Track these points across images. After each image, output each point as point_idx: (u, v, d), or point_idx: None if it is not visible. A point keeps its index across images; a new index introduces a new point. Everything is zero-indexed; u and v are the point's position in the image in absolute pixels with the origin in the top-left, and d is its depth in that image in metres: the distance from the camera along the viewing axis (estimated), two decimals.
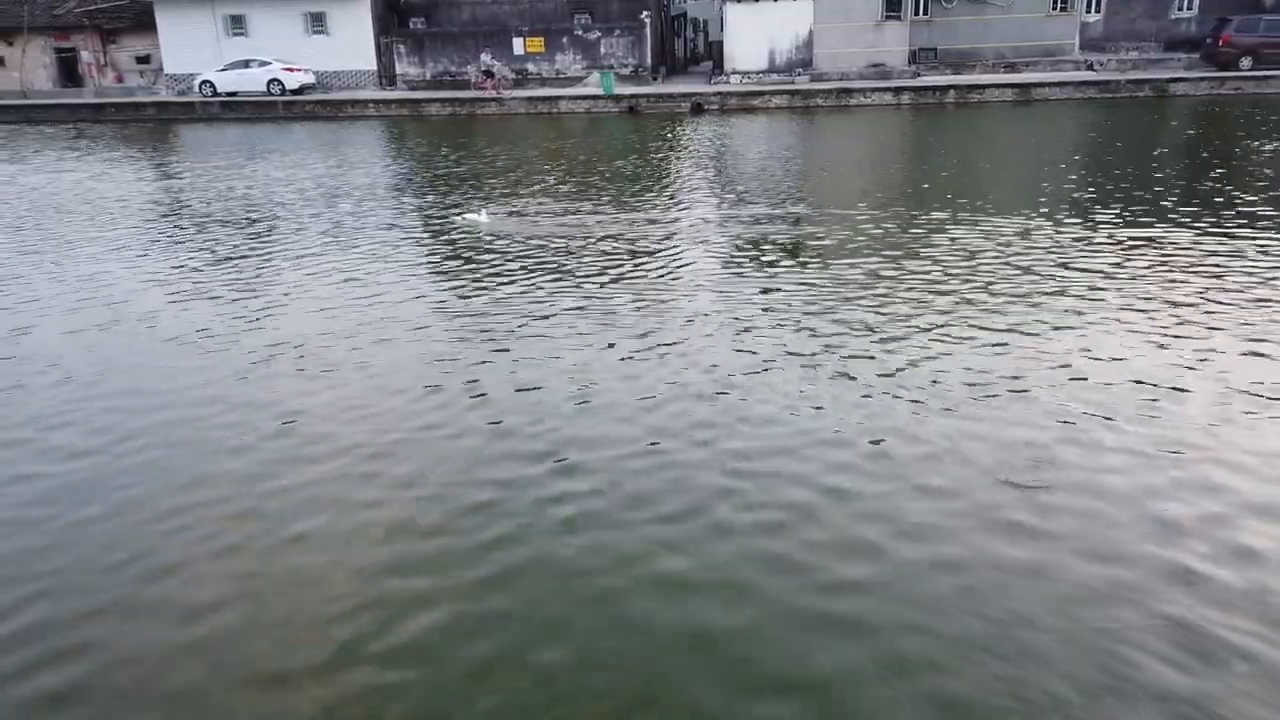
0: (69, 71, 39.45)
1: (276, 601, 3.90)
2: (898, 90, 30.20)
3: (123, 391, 6.23)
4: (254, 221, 12.49)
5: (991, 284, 8.24)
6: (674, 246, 10.33)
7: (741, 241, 10.44)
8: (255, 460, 5.16)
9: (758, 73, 34.62)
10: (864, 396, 5.79)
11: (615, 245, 10.37)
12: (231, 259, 10.21)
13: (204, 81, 34.32)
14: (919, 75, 33.14)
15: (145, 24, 37.79)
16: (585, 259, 9.72)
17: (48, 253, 10.76)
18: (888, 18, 33.69)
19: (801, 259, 9.52)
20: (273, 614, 3.81)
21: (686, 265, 9.41)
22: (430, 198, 14.12)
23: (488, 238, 10.94)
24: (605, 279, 8.88)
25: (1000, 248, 9.59)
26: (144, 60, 39.05)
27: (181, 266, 9.94)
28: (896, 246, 9.84)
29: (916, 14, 34.02)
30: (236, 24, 37.11)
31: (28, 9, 39.36)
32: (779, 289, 8.34)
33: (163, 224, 12.57)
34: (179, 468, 5.10)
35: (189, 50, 36.81)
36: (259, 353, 6.95)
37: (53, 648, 3.63)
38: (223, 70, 34.38)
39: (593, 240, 10.65)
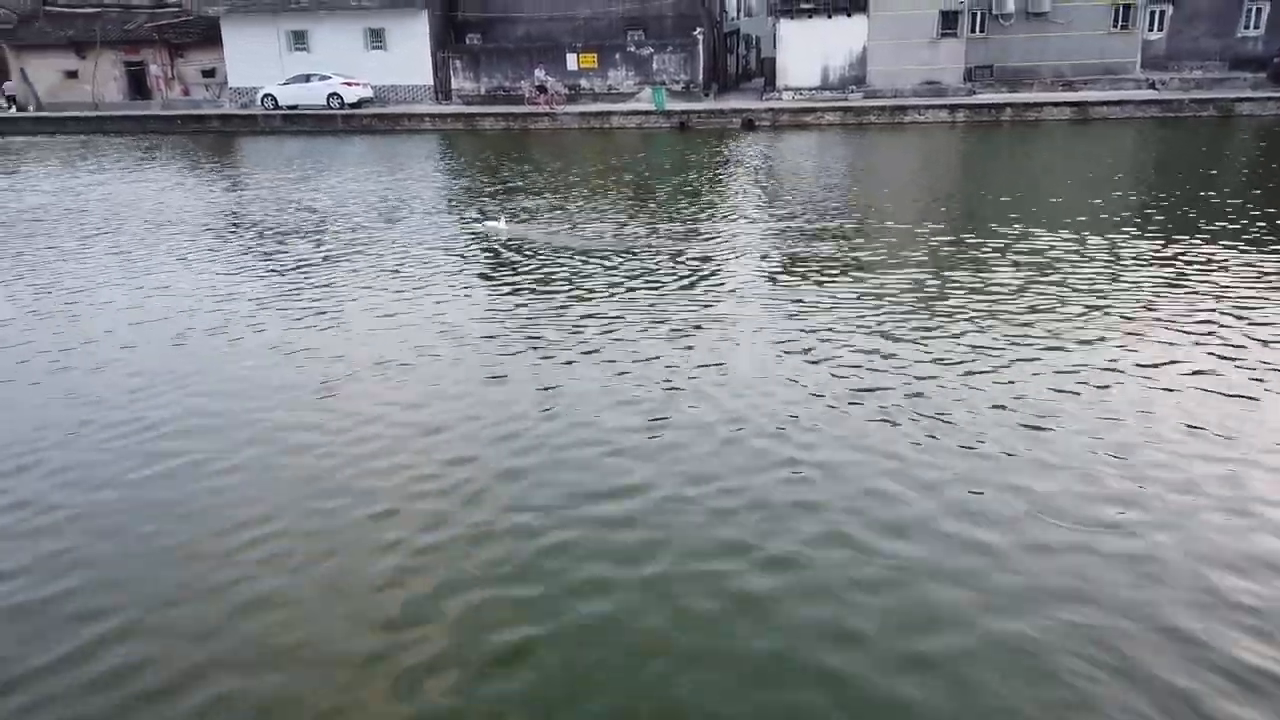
0: (138, 84, 40.72)
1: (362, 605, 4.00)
2: (952, 108, 29.93)
3: (200, 393, 6.43)
4: (317, 232, 12.78)
5: (1049, 303, 8.14)
6: (725, 263, 10.36)
7: (793, 258, 10.44)
8: (329, 465, 5.29)
9: (810, 89, 34.55)
10: (937, 427, 5.76)
11: (665, 260, 10.43)
12: (297, 269, 10.46)
13: (266, 95, 35.19)
14: (974, 93, 32.82)
15: (211, 38, 38.88)
16: (638, 274, 9.79)
17: (123, 260, 11.13)
18: (943, 35, 33.43)
19: (854, 276, 9.48)
20: (357, 616, 3.91)
21: (738, 282, 9.43)
22: (483, 210, 14.32)
23: (544, 252, 11.07)
24: (657, 295, 8.93)
25: (1057, 266, 9.46)
26: (209, 74, 40.15)
27: (249, 275, 10.21)
28: (952, 266, 9.76)
29: (973, 31, 33.70)
30: (299, 39, 38.03)
31: (100, 24, 40.77)
32: (832, 308, 8.32)
33: (232, 234, 12.92)
34: (252, 471, 5.25)
35: (253, 64, 37.79)
36: (325, 360, 7.13)
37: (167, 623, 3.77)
38: (284, 84, 35.23)
39: (643, 255, 10.72)
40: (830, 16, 34.16)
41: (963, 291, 8.79)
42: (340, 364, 7.16)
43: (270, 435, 5.80)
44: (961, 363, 6.80)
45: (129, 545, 4.56)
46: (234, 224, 13.84)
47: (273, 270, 10.55)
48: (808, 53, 34.52)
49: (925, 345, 7.22)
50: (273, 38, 37.93)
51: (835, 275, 9.64)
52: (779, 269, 10.10)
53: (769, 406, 6.06)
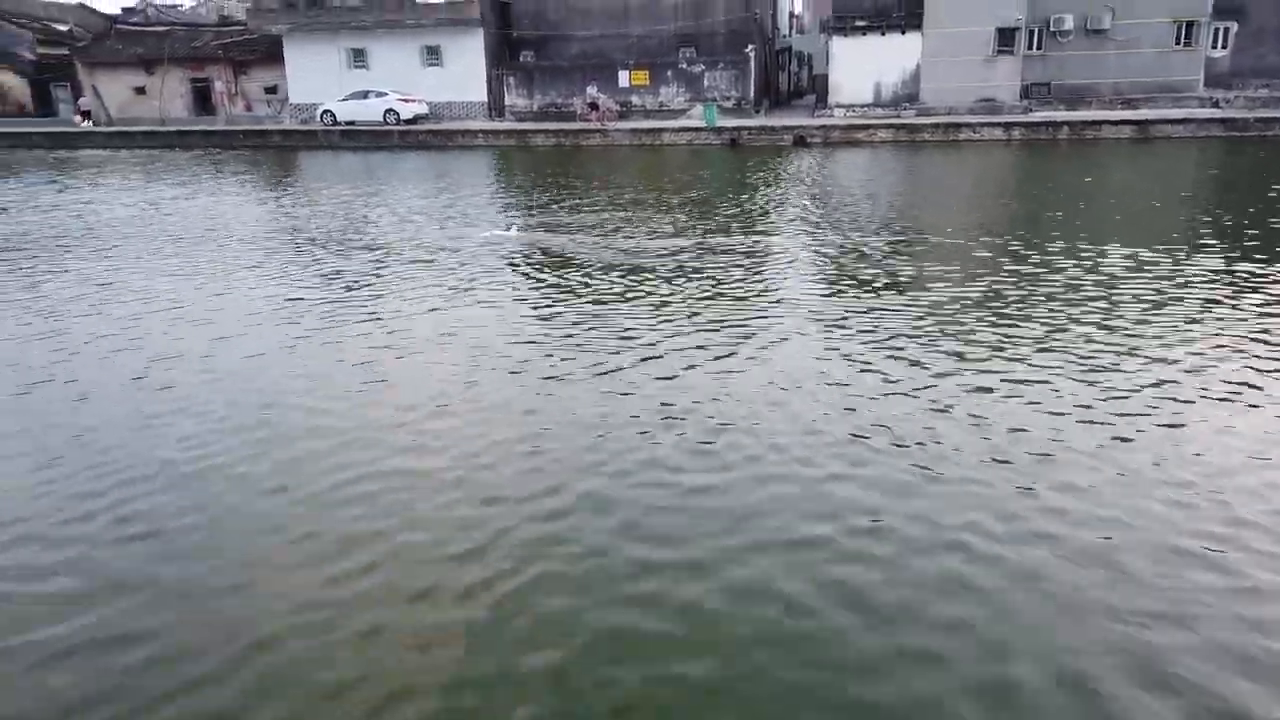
0: (203, 100, 41.97)
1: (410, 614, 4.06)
2: (1008, 125, 29.55)
3: (259, 404, 6.58)
4: (376, 245, 13.01)
5: (1112, 325, 7.97)
6: (773, 279, 10.32)
7: (843, 276, 10.37)
8: (384, 473, 5.38)
9: (862, 106, 34.39)
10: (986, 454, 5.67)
11: (713, 275, 10.43)
12: (359, 281, 10.66)
13: (325, 111, 36.01)
14: (1031, 110, 32.37)
15: (274, 56, 39.98)
16: (685, 289, 9.80)
17: (204, 269, 11.45)
18: (1000, 52, 33.07)
19: (908, 295, 9.38)
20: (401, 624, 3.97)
21: (787, 299, 9.38)
22: (533, 223, 14.47)
23: (593, 267, 11.14)
24: (704, 311, 8.93)
25: (1117, 287, 9.26)
26: (271, 90, 41.25)
27: (313, 287, 10.43)
28: (1008, 286, 9.60)
29: (1030, 48, 33.30)
30: (358, 57, 38.93)
31: (168, 42, 42.16)
32: (883, 328, 8.24)
33: (297, 246, 13.21)
34: (301, 482, 5.36)
35: (313, 81, 38.75)
36: (388, 369, 7.26)
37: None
38: (343, 100, 36.03)
39: (690, 270, 10.73)
40: (884, 34, 34.01)
41: (1022, 314, 8.65)
42: (402, 377, 7.27)
43: (330, 443, 5.91)
44: (1027, 388, 6.68)
45: (208, 542, 4.69)
46: (299, 237, 14.13)
47: (335, 282, 10.75)
48: (860, 69, 34.39)
49: (984, 368, 7.11)
50: (333, 55, 38.86)
51: (887, 294, 9.55)
52: (829, 287, 10.04)
53: (819, 428, 6.02)
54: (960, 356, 7.37)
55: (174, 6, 49.40)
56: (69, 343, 8.38)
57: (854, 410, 6.26)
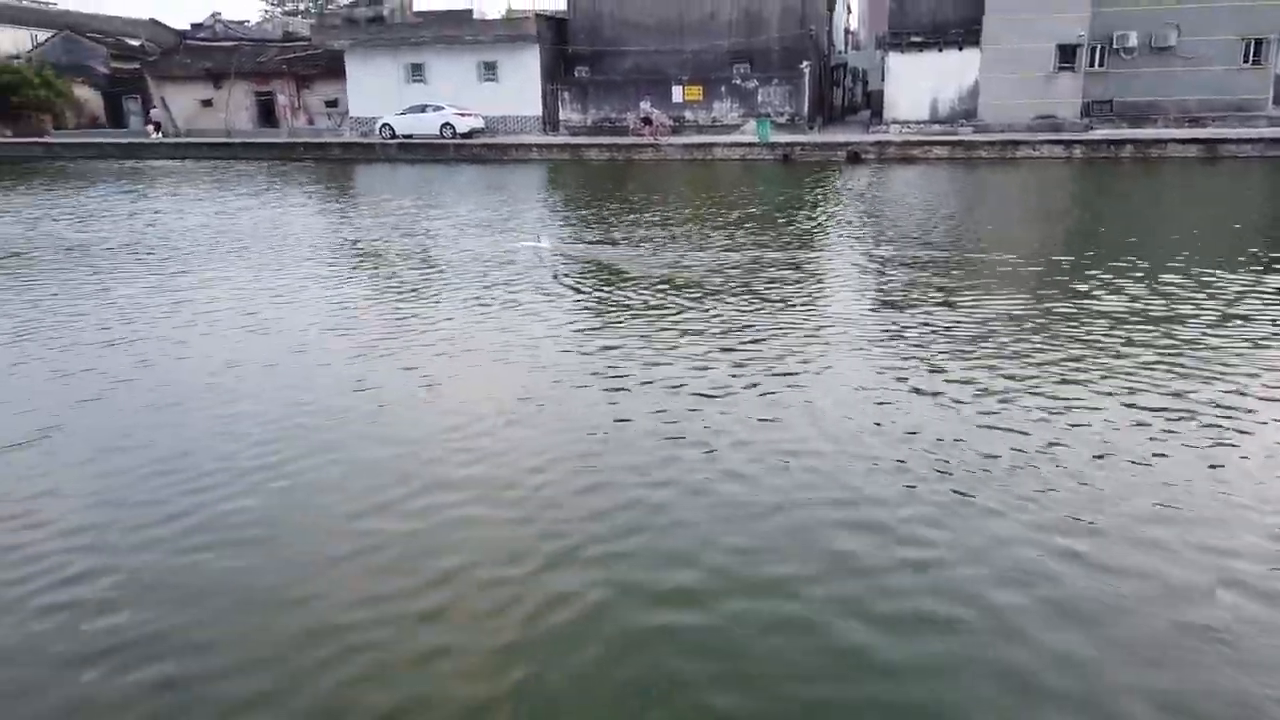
0: (266, 113, 43.09)
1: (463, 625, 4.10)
2: (1068, 143, 29.04)
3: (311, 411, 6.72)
4: (435, 258, 13.22)
5: (1176, 351, 7.77)
6: (823, 296, 10.26)
7: (894, 295, 10.26)
8: (438, 481, 5.45)
9: (918, 123, 34.09)
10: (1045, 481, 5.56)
11: (762, 291, 10.40)
12: (416, 292, 10.83)
13: (384, 124, 36.73)
14: (1092, 128, 31.79)
15: (335, 71, 40.91)
16: (739, 306, 9.78)
17: (259, 279, 11.74)
18: (1060, 68, 32.59)
19: (962, 316, 9.25)
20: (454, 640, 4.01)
21: (838, 316, 9.31)
22: (586, 236, 14.57)
23: (642, 281, 11.18)
24: (757, 327, 8.90)
25: (1180, 312, 9.03)
26: (332, 104, 42.20)
27: (371, 297, 10.63)
28: (1068, 310, 9.42)
29: (1092, 65, 32.73)
30: (416, 71, 39.66)
31: (235, 57, 43.40)
32: (935, 350, 8.14)
33: (354, 257, 13.47)
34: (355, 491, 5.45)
35: (372, 95, 39.56)
36: (445, 382, 7.36)
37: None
38: (401, 114, 36.73)
39: (738, 285, 10.71)
40: (941, 50, 33.74)
41: (1080, 336, 8.48)
42: (462, 388, 7.37)
43: (384, 449, 6.01)
44: (1084, 414, 6.54)
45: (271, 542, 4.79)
46: (360, 248, 14.40)
47: (396, 292, 10.94)
48: (916, 86, 34.14)
49: (1042, 391, 6.98)
50: (392, 70, 39.64)
51: (942, 313, 9.42)
52: (882, 306, 9.94)
53: (872, 450, 5.96)
54: (1015, 378, 7.24)
55: (241, 22, 50.88)
56: (146, 350, 8.63)
57: (912, 433, 6.19)
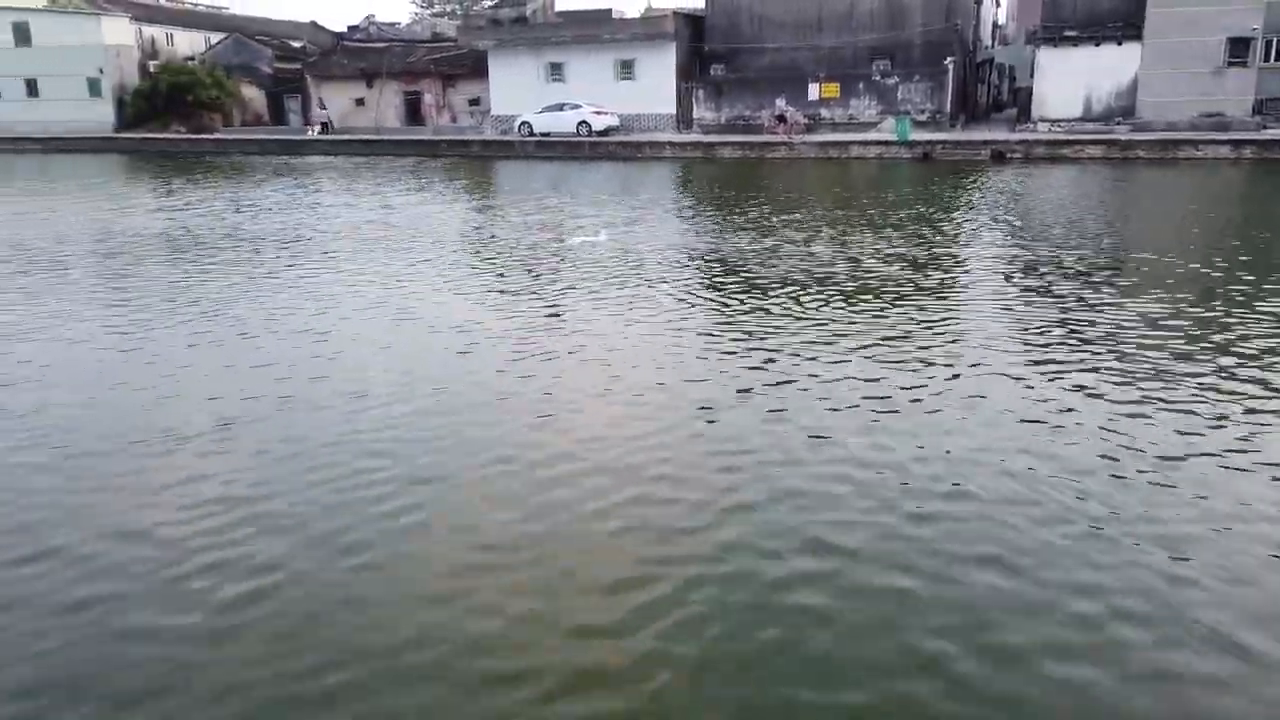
0: (413, 111, 44.95)
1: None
2: (1238, 143, 27.04)
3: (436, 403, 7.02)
4: (568, 253, 13.54)
5: None
6: (961, 302, 9.93)
7: (1036, 304, 9.83)
8: (544, 482, 5.61)
9: (1069, 121, 32.44)
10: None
11: (896, 295, 10.16)
12: (546, 289, 11.13)
13: (523, 123, 37.72)
14: (1265, 127, 29.46)
15: (479, 70, 42.28)
16: (863, 306, 9.60)
17: (404, 272, 12.32)
18: (1230, 63, 30.34)
19: (1113, 329, 8.79)
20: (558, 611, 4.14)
21: (976, 324, 9.01)
22: (719, 232, 14.57)
23: (771, 281, 11.11)
24: (891, 334, 8.72)
25: None
26: (475, 102, 43.64)
27: (511, 293, 11.00)
28: (1232, 322, 8.81)
29: (1266, 60, 30.32)
30: (555, 70, 40.54)
31: (386, 57, 45.47)
32: (1084, 365, 7.77)
33: (493, 252, 13.94)
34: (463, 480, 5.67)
35: (513, 94, 40.68)
36: (563, 380, 7.56)
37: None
38: (540, 113, 37.63)
39: (878, 289, 10.50)
40: (1098, 44, 31.99)
41: (1242, 353, 7.93)
42: (573, 386, 7.55)
43: (495, 448, 6.22)
44: (1244, 442, 6.13)
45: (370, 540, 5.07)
46: (501, 243, 14.86)
47: (530, 288, 11.26)
48: (1069, 82, 32.48)
49: (1195, 412, 6.58)
50: (533, 69, 40.66)
51: (1088, 327, 8.99)
52: (1019, 314, 9.55)
53: (1011, 469, 5.77)
54: (1170, 404, 6.84)
55: (393, 24, 53.19)
56: (318, 344, 9.21)
57: (1050, 456, 5.96)
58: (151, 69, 47.69)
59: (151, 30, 50.22)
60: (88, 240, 15.46)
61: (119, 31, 47.84)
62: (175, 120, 45.10)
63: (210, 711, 3.62)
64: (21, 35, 48.23)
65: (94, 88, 47.53)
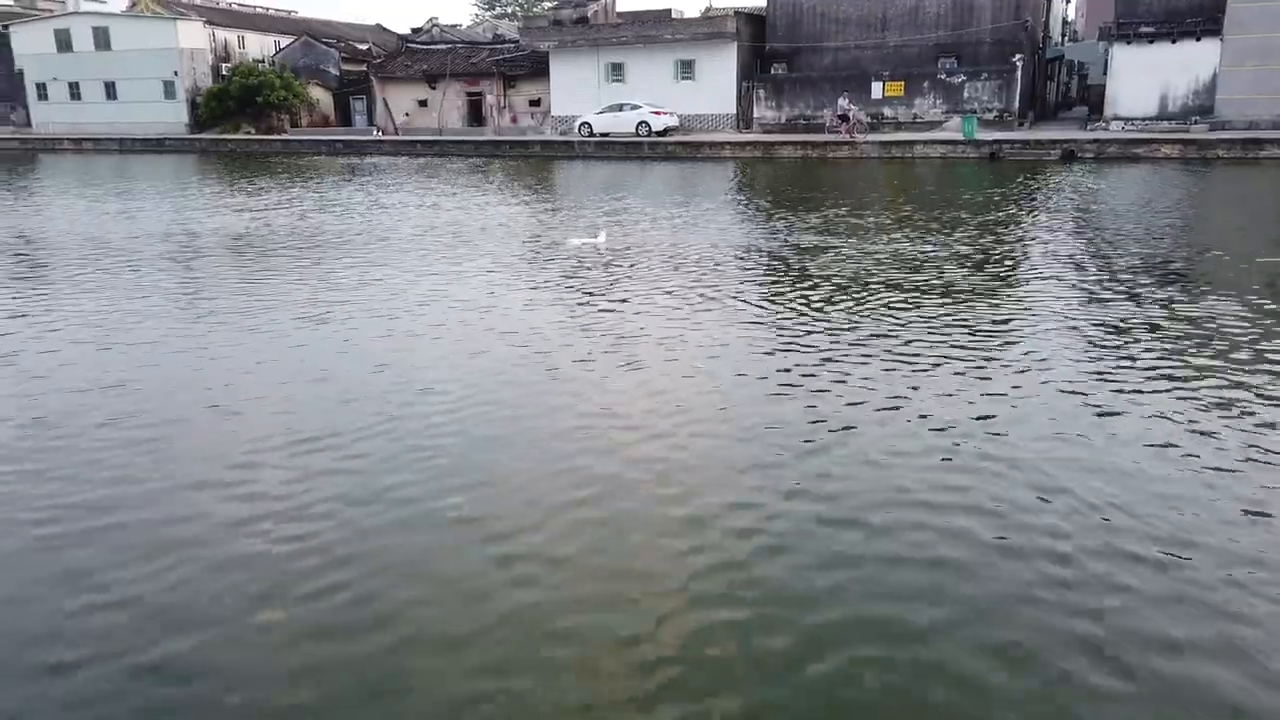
0: (475, 112, 45.47)
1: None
2: None
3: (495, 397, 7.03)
4: (631, 255, 13.52)
5: None
6: (1025, 308, 9.64)
7: (1108, 312, 9.49)
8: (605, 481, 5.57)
9: (1143, 119, 31.49)
10: None
11: (961, 295, 9.92)
12: (602, 291, 11.12)
13: (583, 123, 37.87)
14: None
15: (540, 71, 42.59)
16: (925, 307, 9.39)
17: (467, 271, 12.43)
18: None
19: (1194, 340, 8.45)
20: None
21: (1037, 331, 8.73)
22: (777, 232, 14.41)
23: (834, 279, 10.94)
24: (944, 332, 8.51)
25: None
26: (535, 103, 43.97)
27: (565, 291, 11.01)
28: None
29: None
30: (616, 71, 40.64)
31: (450, 59, 46.07)
32: (1157, 378, 7.47)
33: (548, 252, 13.99)
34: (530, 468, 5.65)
35: (573, 94, 40.90)
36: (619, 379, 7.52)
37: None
38: (599, 113, 37.74)
39: (945, 293, 10.26)
40: (1175, 41, 31.00)
41: None
42: (644, 384, 7.50)
43: (549, 444, 6.20)
44: None
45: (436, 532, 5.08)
46: (563, 244, 14.90)
47: (585, 288, 11.26)
48: (1144, 79, 31.53)
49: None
50: (593, 70, 40.82)
51: (1167, 339, 8.66)
52: (1087, 323, 9.23)
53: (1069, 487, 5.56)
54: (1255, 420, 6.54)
55: (454, 26, 53.87)
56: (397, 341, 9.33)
57: (1123, 476, 5.73)
58: (223, 71, 49.05)
59: (224, 33, 51.65)
60: (182, 237, 15.81)
61: (193, 35, 49.32)
62: (246, 121, 46.33)
63: (293, 694, 3.65)
64: (102, 40, 50.03)
65: (169, 90, 49.10)
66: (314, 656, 3.92)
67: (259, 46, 52.94)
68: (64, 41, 50.64)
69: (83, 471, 5.80)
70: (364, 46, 55.19)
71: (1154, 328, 8.65)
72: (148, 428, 6.51)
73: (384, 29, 61.92)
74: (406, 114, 46.04)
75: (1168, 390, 6.88)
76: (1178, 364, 7.52)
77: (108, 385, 7.50)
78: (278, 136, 44.60)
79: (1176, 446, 5.83)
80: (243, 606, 4.29)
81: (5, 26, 53.01)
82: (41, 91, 51.99)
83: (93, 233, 16.49)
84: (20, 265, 13.33)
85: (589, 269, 12.25)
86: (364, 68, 49.70)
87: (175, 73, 48.76)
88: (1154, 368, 7.43)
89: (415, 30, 52.26)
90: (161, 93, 49.23)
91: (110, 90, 50.47)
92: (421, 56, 47.65)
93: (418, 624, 4.14)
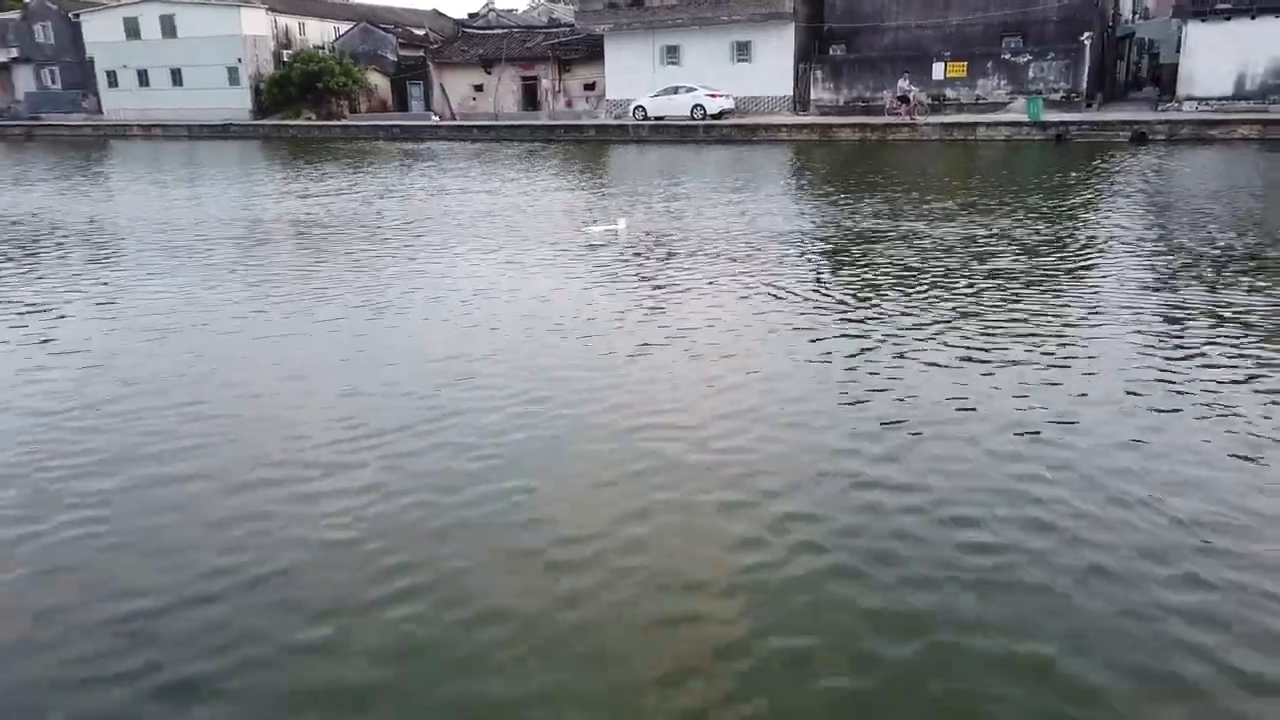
0: (530, 97, 45.60)
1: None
2: None
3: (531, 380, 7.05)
4: (683, 241, 13.45)
5: None
6: (1100, 304, 9.36)
7: (1187, 307, 9.17)
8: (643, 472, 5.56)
9: (1219, 99, 30.35)
10: None
11: (1030, 282, 9.67)
12: (655, 278, 11.08)
13: (637, 106, 37.70)
14: None
15: (595, 55, 42.52)
16: (984, 296, 9.17)
17: (520, 260, 12.50)
18: None
19: (1267, 330, 8.14)
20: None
21: (1115, 332, 8.47)
22: (838, 217, 14.21)
23: (883, 268, 10.75)
24: (1018, 325, 8.31)
25: None
26: (590, 87, 43.94)
27: (616, 278, 11.00)
28: None
29: None
30: (671, 53, 40.38)
31: (505, 44, 46.21)
32: (1233, 372, 7.20)
33: (590, 241, 13.99)
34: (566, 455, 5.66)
35: (627, 78, 40.75)
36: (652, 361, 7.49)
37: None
38: (654, 96, 37.53)
39: (1001, 280, 10.02)
40: (1254, 17, 29.77)
41: None
42: (688, 371, 7.46)
43: (586, 437, 6.19)
44: None
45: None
46: (614, 231, 14.89)
47: (636, 277, 11.24)
48: (1220, 57, 30.35)
49: None
50: (648, 53, 40.60)
51: (1256, 334, 8.34)
52: (1163, 316, 8.92)
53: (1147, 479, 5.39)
54: None
55: (510, 11, 54.06)
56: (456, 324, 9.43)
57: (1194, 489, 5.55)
58: (285, 58, 49.87)
59: (285, 20, 52.46)
60: (248, 223, 16.15)
61: (256, 22, 50.23)
62: (306, 107, 47.08)
63: (368, 674, 3.73)
64: (168, 27, 51.24)
65: (233, 76, 50.14)
66: (377, 643, 4.00)
67: (319, 33, 53.70)
68: (132, 29, 51.97)
69: (140, 446, 5.97)
70: (421, 32, 55.64)
71: (1241, 323, 8.35)
72: (204, 415, 6.67)
73: (440, 14, 62.33)
74: (473, 98, 46.33)
75: (1252, 390, 6.64)
76: (1266, 361, 7.25)
77: (171, 371, 7.69)
78: (337, 122, 45.25)
79: (1263, 452, 5.63)
80: (297, 589, 4.38)
81: (76, 15, 54.57)
82: (111, 79, 53.48)
83: (163, 218, 16.93)
84: (99, 250, 13.74)
85: (646, 258, 12.21)
86: (421, 53, 50.11)
87: (239, 59, 49.74)
88: (1237, 367, 7.17)
89: (471, 15, 52.57)
90: (226, 79, 50.29)
91: (176, 77, 51.72)
92: (478, 41, 47.85)
93: (476, 619, 4.19)
